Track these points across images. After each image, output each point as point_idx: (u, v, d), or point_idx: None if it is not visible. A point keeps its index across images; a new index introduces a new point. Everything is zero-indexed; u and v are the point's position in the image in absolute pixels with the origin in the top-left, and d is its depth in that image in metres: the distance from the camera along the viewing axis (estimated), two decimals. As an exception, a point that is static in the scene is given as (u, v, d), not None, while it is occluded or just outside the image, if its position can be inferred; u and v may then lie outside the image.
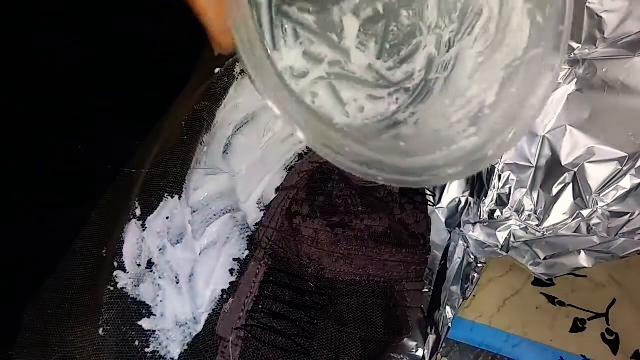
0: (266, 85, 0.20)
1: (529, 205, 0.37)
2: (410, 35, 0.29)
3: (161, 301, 0.31)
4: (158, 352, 0.30)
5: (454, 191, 0.42)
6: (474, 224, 0.40)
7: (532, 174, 0.37)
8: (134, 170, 0.35)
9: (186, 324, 0.31)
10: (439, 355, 0.41)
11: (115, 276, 0.30)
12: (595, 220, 0.36)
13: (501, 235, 0.39)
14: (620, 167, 0.35)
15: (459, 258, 0.42)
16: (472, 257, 0.42)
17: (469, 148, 0.23)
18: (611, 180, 0.35)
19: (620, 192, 0.35)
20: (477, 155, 0.23)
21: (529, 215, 0.37)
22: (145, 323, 0.30)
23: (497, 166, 0.38)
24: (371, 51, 0.29)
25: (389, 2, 0.28)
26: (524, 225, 0.38)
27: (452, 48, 0.29)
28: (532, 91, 0.23)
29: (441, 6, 0.29)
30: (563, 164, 0.36)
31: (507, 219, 0.38)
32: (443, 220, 0.42)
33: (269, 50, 0.24)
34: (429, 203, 0.42)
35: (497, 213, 0.39)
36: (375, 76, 0.29)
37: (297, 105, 0.20)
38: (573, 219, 0.36)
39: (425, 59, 0.30)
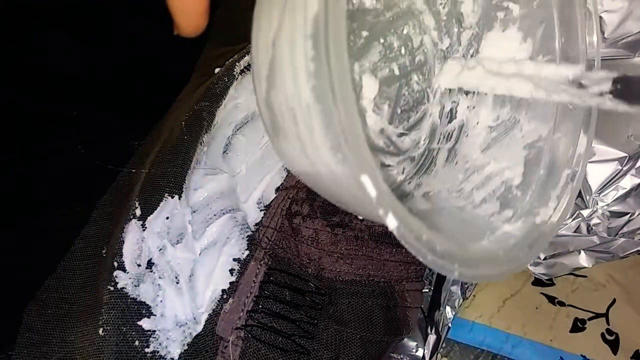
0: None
1: (529, 205, 0.37)
2: (419, 101, 0.28)
3: (161, 301, 0.31)
4: (158, 352, 0.30)
5: (454, 191, 0.42)
6: (474, 224, 0.40)
7: (532, 174, 0.37)
8: (134, 170, 0.35)
9: (186, 324, 0.31)
10: (439, 355, 0.41)
11: (115, 276, 0.30)
12: (595, 220, 0.36)
13: (501, 235, 0.39)
14: (620, 167, 0.35)
15: (459, 258, 0.42)
16: (472, 257, 0.42)
17: (517, 233, 0.22)
18: (611, 180, 0.35)
19: (620, 192, 0.35)
20: (533, 235, 0.22)
21: (529, 215, 0.37)
22: (145, 323, 0.30)
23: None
24: (384, 115, 0.27)
25: (403, 64, 0.26)
26: (524, 225, 0.38)
27: (454, 119, 0.29)
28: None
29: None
30: (563, 164, 0.36)
31: (507, 219, 0.38)
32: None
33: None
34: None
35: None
36: (386, 142, 0.27)
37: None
38: (573, 219, 0.36)
39: (429, 128, 0.29)
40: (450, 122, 0.29)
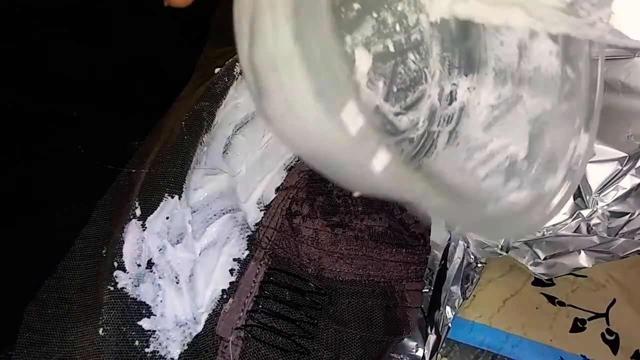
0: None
1: (529, 205, 0.37)
2: (417, 81, 0.27)
3: (161, 301, 0.31)
4: (158, 352, 0.30)
5: (454, 191, 0.42)
6: (474, 224, 0.40)
7: (532, 174, 0.37)
8: (134, 170, 0.35)
9: (186, 324, 0.31)
10: (439, 355, 0.41)
11: (115, 276, 0.30)
12: (595, 220, 0.36)
13: (501, 235, 0.39)
14: (620, 167, 0.35)
15: (459, 258, 0.42)
16: (472, 257, 0.42)
17: (524, 202, 0.22)
18: (611, 180, 0.35)
19: (620, 192, 0.35)
20: (543, 201, 0.22)
21: (529, 215, 0.37)
22: (145, 323, 0.30)
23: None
24: (379, 92, 0.26)
25: (399, 41, 0.26)
26: (524, 225, 0.38)
27: (454, 101, 0.28)
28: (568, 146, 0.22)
29: (444, 59, 0.27)
30: (563, 164, 0.36)
31: (507, 219, 0.38)
32: (443, 220, 0.42)
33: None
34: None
35: (497, 213, 0.39)
36: (382, 121, 0.27)
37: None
38: (573, 219, 0.36)
39: (428, 110, 0.28)
40: (450, 104, 0.28)
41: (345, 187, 0.19)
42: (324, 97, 0.15)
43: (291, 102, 0.17)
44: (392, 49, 0.26)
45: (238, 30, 0.18)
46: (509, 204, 0.22)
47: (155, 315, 0.31)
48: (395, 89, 0.27)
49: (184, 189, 0.32)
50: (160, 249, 0.32)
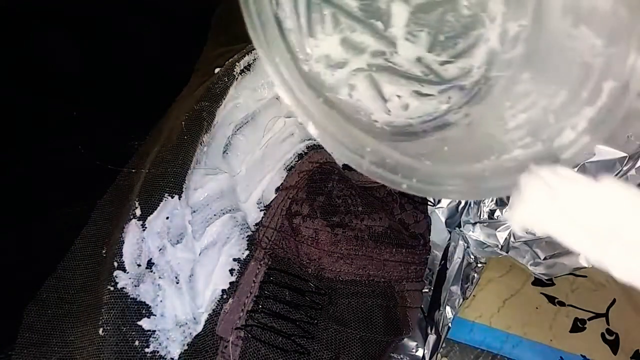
0: (275, 68, 0.17)
1: (529, 205, 0.37)
2: (470, 27, 0.26)
3: (161, 301, 0.31)
4: (158, 352, 0.30)
5: (454, 191, 0.42)
6: (474, 224, 0.40)
7: (532, 174, 0.37)
8: (134, 170, 0.35)
9: (186, 324, 0.31)
10: (439, 355, 0.41)
11: (115, 276, 0.30)
12: (595, 220, 0.36)
13: (501, 235, 0.39)
14: (620, 167, 0.35)
15: (459, 258, 0.42)
16: (472, 257, 0.42)
17: (522, 158, 0.21)
18: (611, 180, 0.35)
19: (620, 192, 0.35)
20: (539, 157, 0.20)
21: (529, 215, 0.37)
22: (145, 323, 0.30)
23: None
24: (422, 43, 0.25)
25: None
26: (524, 225, 0.38)
27: (518, 44, 0.26)
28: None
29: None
30: (563, 164, 0.36)
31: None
32: (443, 220, 0.43)
33: (282, 26, 0.21)
34: (429, 203, 0.42)
35: (497, 213, 0.39)
36: (424, 70, 0.26)
37: (311, 95, 0.18)
38: (573, 219, 0.36)
39: (486, 55, 0.26)
40: (514, 47, 0.26)
41: None
42: None
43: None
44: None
45: None
46: (510, 159, 0.21)
47: (155, 315, 0.31)
48: (442, 38, 0.25)
49: (184, 189, 0.32)
50: (160, 249, 0.32)
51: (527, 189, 0.19)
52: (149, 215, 0.31)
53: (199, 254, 0.33)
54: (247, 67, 0.37)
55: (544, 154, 0.21)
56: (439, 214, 0.42)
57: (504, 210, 0.38)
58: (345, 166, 0.39)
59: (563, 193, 0.18)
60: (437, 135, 0.25)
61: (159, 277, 0.31)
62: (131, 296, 0.30)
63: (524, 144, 0.22)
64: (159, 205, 0.31)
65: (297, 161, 0.36)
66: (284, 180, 0.36)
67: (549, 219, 0.19)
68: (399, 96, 0.26)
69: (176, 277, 0.32)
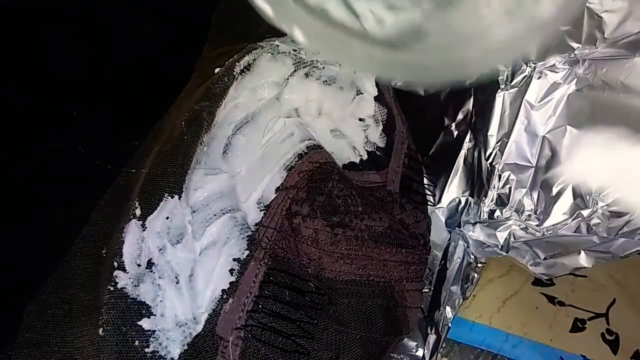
0: None
1: (529, 205, 0.37)
2: None
3: (161, 301, 0.31)
4: (158, 352, 0.30)
5: (453, 191, 0.42)
6: (474, 224, 0.40)
7: (532, 174, 0.37)
8: (134, 170, 0.35)
9: (186, 324, 0.31)
10: (439, 355, 0.41)
11: (115, 276, 0.30)
12: (595, 220, 0.36)
13: (501, 235, 0.39)
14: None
15: (459, 258, 0.42)
16: (472, 257, 0.42)
17: (504, 39, 0.21)
18: (611, 180, 0.35)
19: (620, 192, 0.35)
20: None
21: (529, 215, 0.37)
22: (145, 323, 0.30)
23: (497, 166, 0.38)
24: None
25: None
26: (524, 225, 0.38)
27: None
28: None
29: None
30: (563, 164, 0.36)
31: (507, 219, 0.38)
32: (443, 220, 0.43)
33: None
34: (429, 203, 0.42)
35: (497, 213, 0.39)
36: None
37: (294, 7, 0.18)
38: (573, 219, 0.36)
39: None
40: None
41: None
42: None
43: None
44: None
45: None
46: (492, 43, 0.21)
47: (155, 315, 0.31)
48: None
49: (184, 189, 0.32)
50: (160, 249, 0.32)
51: None
52: (149, 215, 0.31)
53: (199, 254, 0.33)
54: (247, 67, 0.37)
55: (526, 30, 0.21)
56: (439, 214, 0.42)
57: (504, 210, 0.38)
58: (346, 166, 0.39)
59: None
60: (418, 46, 0.25)
61: (159, 277, 0.31)
62: (131, 296, 0.30)
63: (503, 24, 0.22)
64: (159, 205, 0.31)
65: (297, 161, 0.36)
66: (284, 180, 0.36)
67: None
68: (372, 12, 0.25)
69: (176, 277, 0.32)
